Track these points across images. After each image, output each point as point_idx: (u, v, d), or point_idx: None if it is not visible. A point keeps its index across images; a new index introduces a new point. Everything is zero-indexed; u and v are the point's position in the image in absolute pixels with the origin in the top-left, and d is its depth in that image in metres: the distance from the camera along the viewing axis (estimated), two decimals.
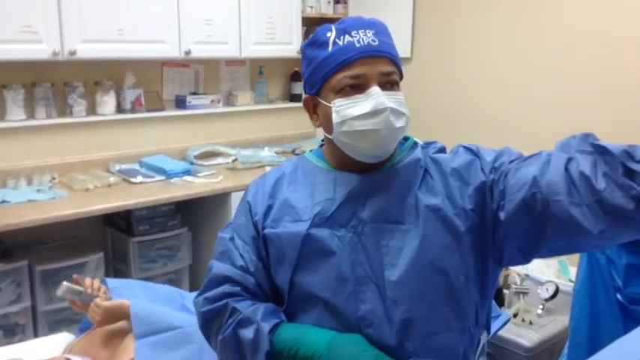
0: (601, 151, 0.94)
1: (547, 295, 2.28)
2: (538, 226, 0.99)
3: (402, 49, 3.37)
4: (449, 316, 1.05)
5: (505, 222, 1.02)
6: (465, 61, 3.33)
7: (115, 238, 2.99)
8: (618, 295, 1.63)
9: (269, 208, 1.14)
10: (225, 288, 1.11)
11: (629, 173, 0.91)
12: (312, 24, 3.59)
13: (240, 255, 1.13)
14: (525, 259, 1.06)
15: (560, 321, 2.23)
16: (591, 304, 1.70)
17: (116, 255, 3.00)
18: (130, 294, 1.66)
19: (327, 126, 1.10)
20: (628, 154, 0.91)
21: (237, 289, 1.11)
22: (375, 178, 1.10)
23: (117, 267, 2.99)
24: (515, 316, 2.22)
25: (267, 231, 1.12)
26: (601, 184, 0.92)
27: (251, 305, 1.09)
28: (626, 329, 1.53)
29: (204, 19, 3.08)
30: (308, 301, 1.09)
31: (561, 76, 2.91)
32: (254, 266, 1.13)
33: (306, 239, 1.08)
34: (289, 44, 3.48)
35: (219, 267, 1.14)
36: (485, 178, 1.06)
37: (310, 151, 1.22)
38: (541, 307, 2.28)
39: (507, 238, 1.04)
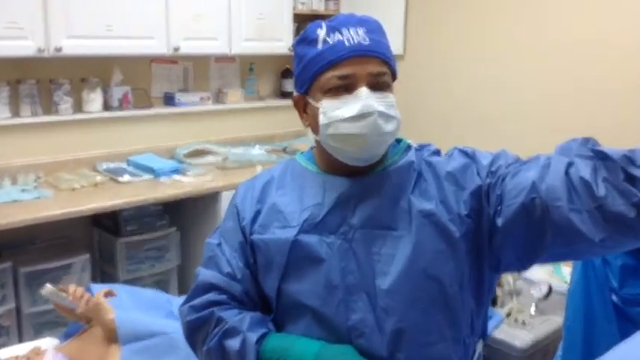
0: (601, 157, 0.91)
1: (540, 295, 2.27)
2: (537, 233, 0.96)
3: (394, 47, 3.29)
4: (442, 326, 1.02)
5: (503, 228, 0.99)
6: (459, 59, 3.30)
7: (102, 238, 2.93)
8: (613, 296, 1.62)
9: (257, 213, 1.11)
10: (211, 296, 1.08)
11: (630, 179, 0.87)
12: (303, 20, 3.55)
13: (227, 261, 1.10)
14: (523, 266, 1.04)
15: (554, 321, 2.22)
16: (586, 305, 1.68)
17: (103, 256, 2.95)
18: (116, 300, 1.64)
19: (316, 127, 1.06)
20: (629, 159, 0.88)
21: (224, 297, 1.08)
22: (365, 182, 1.06)
23: (104, 268, 2.93)
24: (508, 316, 2.21)
25: (254, 237, 1.09)
26: (601, 190, 0.88)
27: (237, 314, 1.06)
28: (621, 330, 1.52)
29: (193, 15, 3.03)
30: (296, 309, 1.05)
31: (557, 77, 2.88)
32: (241, 273, 1.09)
33: (294, 246, 1.04)
34: (280, 41, 3.44)
35: (205, 274, 1.11)
36: (482, 182, 1.03)
37: (301, 153, 1.19)
38: (534, 307, 2.27)
39: (505, 244, 1.00)
